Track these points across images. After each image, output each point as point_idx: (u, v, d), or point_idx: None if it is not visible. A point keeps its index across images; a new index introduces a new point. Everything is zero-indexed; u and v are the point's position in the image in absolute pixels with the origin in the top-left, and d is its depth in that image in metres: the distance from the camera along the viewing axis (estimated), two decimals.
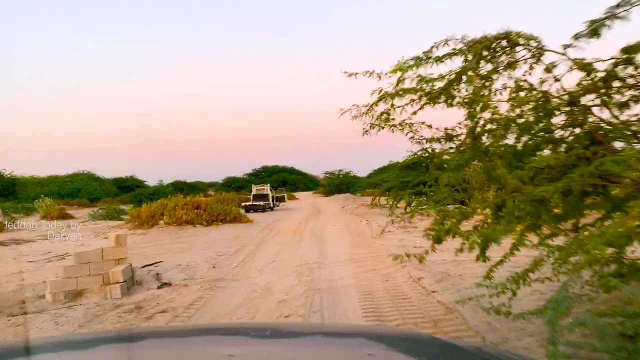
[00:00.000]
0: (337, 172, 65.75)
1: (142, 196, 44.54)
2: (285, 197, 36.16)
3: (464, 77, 4.31)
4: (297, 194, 64.18)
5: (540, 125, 4.25)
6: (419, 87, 4.45)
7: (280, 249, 13.02)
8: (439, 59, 4.34)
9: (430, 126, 4.94)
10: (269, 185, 34.97)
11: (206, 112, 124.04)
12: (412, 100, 4.57)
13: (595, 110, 4.11)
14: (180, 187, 74.08)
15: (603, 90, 3.99)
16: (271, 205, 33.64)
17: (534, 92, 4.20)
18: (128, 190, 66.04)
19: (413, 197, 24.15)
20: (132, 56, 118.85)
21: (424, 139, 5.10)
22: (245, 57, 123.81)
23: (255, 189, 34.50)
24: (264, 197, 33.35)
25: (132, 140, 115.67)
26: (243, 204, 32.66)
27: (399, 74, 4.43)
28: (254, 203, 32.37)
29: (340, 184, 61.12)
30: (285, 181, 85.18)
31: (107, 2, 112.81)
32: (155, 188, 76.71)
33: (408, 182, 22.94)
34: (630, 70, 3.84)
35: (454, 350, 1.65)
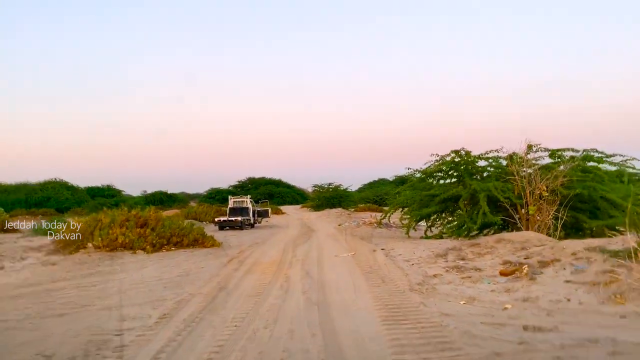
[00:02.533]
0: (326, 186, 60.67)
1: (102, 206, 38.18)
2: (269, 211, 30.03)
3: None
4: (285, 208, 57.99)
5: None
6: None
7: (248, 311, 6.99)
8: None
9: None
10: (249, 197, 28.86)
11: (193, 120, 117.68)
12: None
13: None
14: (160, 198, 68.14)
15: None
16: (251, 221, 27.53)
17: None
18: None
19: (437, 215, 18.25)
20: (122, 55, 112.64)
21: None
22: (237, 66, 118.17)
23: (232, 202, 28.36)
24: (242, 211, 27.25)
25: (118, 149, 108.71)
26: (216, 219, 26.50)
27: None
28: (230, 219, 26.24)
29: (330, 198, 55.74)
30: (272, 194, 79.84)
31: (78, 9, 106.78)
32: (126, 198, 70.84)
33: (434, 197, 17.02)
34: None
35: None
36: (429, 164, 17.80)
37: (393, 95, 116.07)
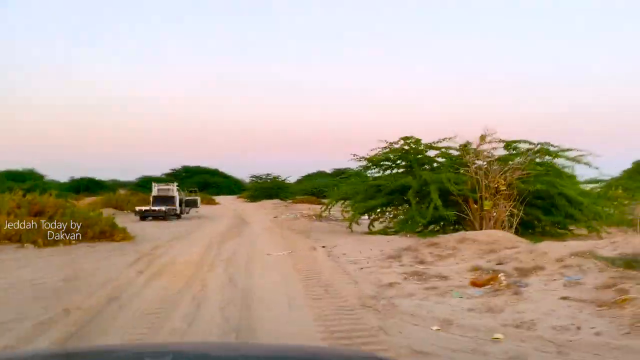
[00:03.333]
0: (264, 177, 58.43)
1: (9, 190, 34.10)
2: (199, 201, 27.37)
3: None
4: (220, 198, 55.03)
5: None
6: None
7: (136, 340, 4.85)
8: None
9: None
10: (176, 184, 26.09)
11: (128, 105, 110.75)
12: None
13: None
14: (86, 185, 63.25)
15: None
16: (178, 211, 24.87)
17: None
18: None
19: (384, 209, 16.59)
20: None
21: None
22: (170, 51, 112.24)
23: (156, 189, 25.47)
24: (167, 200, 24.50)
25: (45, 132, 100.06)
26: (137, 208, 23.66)
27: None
28: (153, 208, 23.49)
29: (268, 189, 53.63)
30: (208, 183, 76.47)
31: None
32: (50, 184, 65.45)
33: (380, 188, 15.32)
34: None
35: None
36: (376, 152, 16.12)
37: (333, 89, 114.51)
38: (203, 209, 33.82)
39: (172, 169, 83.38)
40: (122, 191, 54.88)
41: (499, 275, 7.01)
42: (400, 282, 7.16)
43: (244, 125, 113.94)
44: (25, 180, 65.63)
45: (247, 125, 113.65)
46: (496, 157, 14.47)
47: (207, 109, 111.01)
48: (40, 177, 70.46)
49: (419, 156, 15.70)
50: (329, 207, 17.18)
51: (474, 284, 6.88)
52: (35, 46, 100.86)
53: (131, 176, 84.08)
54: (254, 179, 61.54)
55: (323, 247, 12.16)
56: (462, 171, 14.34)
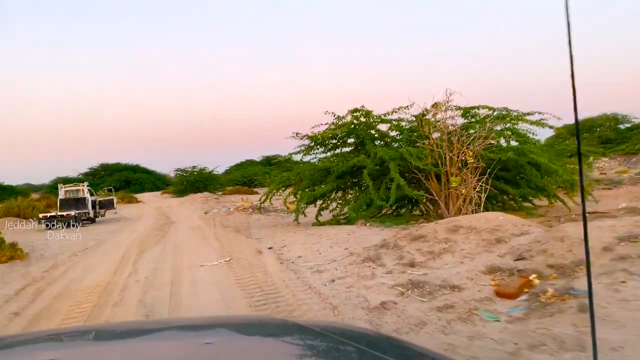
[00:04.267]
0: (190, 169, 54.57)
1: None
2: (115, 201, 23.92)
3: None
4: (143, 195, 50.83)
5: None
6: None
7: None
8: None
9: None
10: (86, 184, 22.50)
11: (40, 106, 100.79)
12: None
13: None
14: None
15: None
16: (91, 215, 21.44)
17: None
18: None
19: (333, 195, 14.42)
20: None
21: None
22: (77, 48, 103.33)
23: (63, 191, 21.82)
24: (78, 202, 21.01)
25: None
26: (42, 215, 20.03)
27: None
28: (60, 213, 19.97)
29: (195, 182, 49.94)
30: (129, 180, 71.40)
31: None
32: None
33: (329, 171, 13.12)
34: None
35: (305, 332, 1.65)
36: (320, 130, 13.87)
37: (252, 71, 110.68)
38: (123, 209, 30.30)
39: (90, 168, 77.45)
40: (35, 195, 49.40)
41: (530, 278, 5.02)
42: (396, 302, 4.98)
43: (162, 118, 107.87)
44: None
45: (166, 118, 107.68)
46: (458, 126, 12.63)
47: (121, 104, 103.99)
48: None
49: (371, 131, 13.63)
50: (269, 196, 14.75)
51: (502, 294, 4.84)
52: None
53: (46, 179, 76.92)
54: (179, 172, 57.38)
55: (270, 248, 9.80)
56: (421, 145, 12.43)
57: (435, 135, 12.93)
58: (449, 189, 12.06)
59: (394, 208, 13.46)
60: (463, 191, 11.80)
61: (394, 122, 13.47)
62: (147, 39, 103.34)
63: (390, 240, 7.42)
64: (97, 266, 9.51)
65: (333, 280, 6.16)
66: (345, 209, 13.47)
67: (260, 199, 15.36)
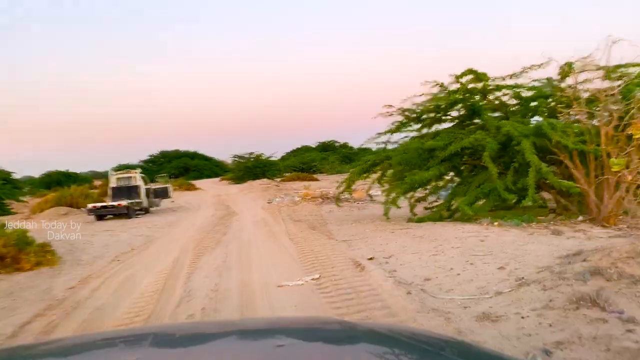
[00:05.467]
0: (247, 155, 52.67)
1: None
2: (171, 189, 21.79)
3: None
4: (202, 182, 49.22)
5: None
6: None
7: None
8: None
9: None
10: (139, 171, 20.47)
11: (99, 95, 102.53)
12: None
13: None
14: (57, 179, 57.01)
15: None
16: (145, 204, 19.46)
17: None
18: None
19: (436, 183, 11.44)
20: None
21: None
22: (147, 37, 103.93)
23: (114, 179, 19.94)
24: (130, 191, 19.04)
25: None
26: (91, 206, 18.17)
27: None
28: (112, 204, 18.04)
29: (253, 168, 47.98)
30: (188, 167, 70.90)
31: None
32: (15, 181, 59.53)
33: (433, 152, 10.14)
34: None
35: (376, 335, 1.61)
36: (413, 102, 10.91)
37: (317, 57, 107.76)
38: (181, 197, 28.47)
39: (150, 155, 78.00)
40: (98, 183, 49.09)
41: None
42: None
43: (220, 105, 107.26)
44: None
45: (223, 106, 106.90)
46: (615, 89, 9.26)
47: (181, 92, 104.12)
48: (8, 173, 63.99)
49: (484, 101, 10.51)
50: (349, 184, 11.93)
51: None
52: None
53: (109, 166, 77.83)
54: (236, 159, 55.80)
55: (371, 259, 7.00)
56: (565, 115, 9.24)
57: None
58: (601, 175, 8.82)
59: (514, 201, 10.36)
60: (628, 177, 8.54)
61: (517, 87, 10.25)
62: (207, 29, 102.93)
63: (601, 262, 4.44)
64: (139, 281, 7.03)
65: (529, 335, 3.28)
66: (451, 202, 10.48)
67: (340, 186, 12.50)
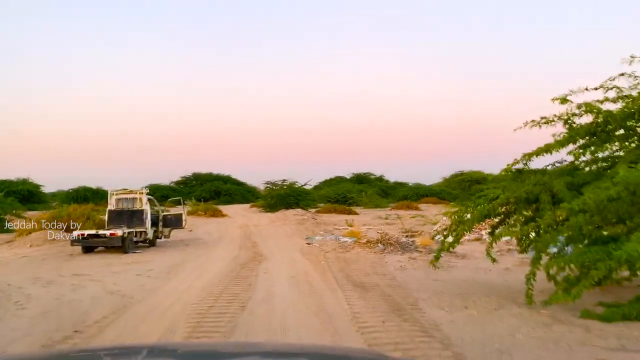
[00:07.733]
0: (280, 182, 48.52)
1: None
2: (184, 217, 16.91)
3: None
4: (231, 208, 44.96)
5: None
6: None
7: None
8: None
9: None
10: (146, 191, 15.73)
11: (134, 114, 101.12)
12: None
13: None
14: (84, 195, 53.84)
15: None
16: (149, 235, 15.01)
17: None
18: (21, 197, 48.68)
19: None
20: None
21: None
22: (178, 60, 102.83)
23: (114, 199, 15.45)
24: (132, 217, 14.66)
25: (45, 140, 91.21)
26: (77, 234, 13.78)
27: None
28: (104, 232, 13.64)
29: (286, 196, 43.58)
30: (220, 191, 67.21)
31: None
32: (43, 195, 57.02)
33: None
34: None
35: None
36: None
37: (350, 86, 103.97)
38: (203, 225, 24.17)
39: (182, 177, 75.26)
40: None
41: None
42: None
43: (253, 130, 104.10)
44: (20, 190, 56.48)
45: (257, 130, 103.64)
46: None
47: (216, 115, 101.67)
48: (37, 186, 61.64)
49: None
50: (461, 233, 7.11)
51: None
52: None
53: (140, 185, 75.20)
54: (268, 185, 51.77)
55: None
56: None
57: None
58: None
59: None
60: None
61: None
62: (240, 52, 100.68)
63: None
64: None
65: None
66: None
67: (437, 234, 7.64)
